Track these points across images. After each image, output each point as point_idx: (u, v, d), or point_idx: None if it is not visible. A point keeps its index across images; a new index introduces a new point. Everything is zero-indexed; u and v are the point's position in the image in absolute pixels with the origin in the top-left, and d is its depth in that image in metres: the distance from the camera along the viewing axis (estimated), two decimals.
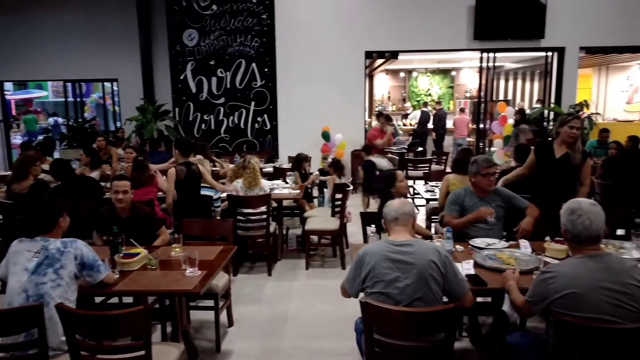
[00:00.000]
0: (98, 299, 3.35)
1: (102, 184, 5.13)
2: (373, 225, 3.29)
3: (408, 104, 14.32)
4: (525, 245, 3.08)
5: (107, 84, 11.98)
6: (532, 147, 4.10)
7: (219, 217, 4.73)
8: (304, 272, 4.91)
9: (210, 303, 3.39)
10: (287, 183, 5.63)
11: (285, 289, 4.50)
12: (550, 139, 4.31)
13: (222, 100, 8.82)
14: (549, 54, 8.81)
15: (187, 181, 4.48)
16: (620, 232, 3.80)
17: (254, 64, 8.67)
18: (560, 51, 8.54)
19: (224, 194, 4.99)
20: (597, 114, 9.09)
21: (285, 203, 5.47)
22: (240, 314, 3.92)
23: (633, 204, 4.76)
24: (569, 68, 8.55)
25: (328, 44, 8.49)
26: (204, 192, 4.61)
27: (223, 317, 3.63)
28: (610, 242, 3.08)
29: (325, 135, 8.30)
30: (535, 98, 11.85)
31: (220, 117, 8.88)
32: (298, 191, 5.33)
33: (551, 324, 2.13)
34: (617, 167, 5.34)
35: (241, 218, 4.71)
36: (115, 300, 3.51)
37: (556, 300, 2.05)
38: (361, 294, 2.41)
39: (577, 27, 8.33)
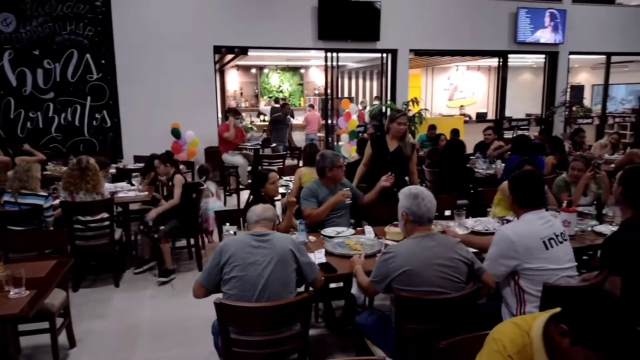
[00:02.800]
0: None
1: None
2: (228, 224, 3.24)
3: (262, 101, 14.42)
4: (369, 230, 3.34)
5: None
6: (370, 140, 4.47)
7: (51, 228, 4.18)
8: (157, 279, 4.63)
9: (46, 325, 3.00)
10: (132, 185, 5.24)
11: (135, 300, 4.19)
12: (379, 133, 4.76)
13: (51, 95, 7.80)
14: (384, 55, 9.64)
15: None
16: (447, 212, 4.36)
17: (88, 55, 7.83)
18: (394, 53, 9.42)
19: (57, 201, 4.43)
20: (426, 109, 10.24)
21: (133, 207, 5.08)
22: (84, 332, 3.54)
23: (456, 188, 5.48)
24: (401, 68, 9.48)
25: (174, 36, 8.07)
26: (32, 200, 4.03)
27: (63, 338, 3.24)
28: (439, 222, 3.50)
29: (175, 133, 7.91)
30: (374, 95, 12.89)
31: (50, 114, 7.85)
32: (146, 193, 4.99)
33: (393, 300, 2.34)
34: (442, 156, 6.07)
35: (79, 227, 4.25)
36: None
37: (396, 277, 2.27)
38: (216, 295, 2.37)
39: (407, 32, 9.26)
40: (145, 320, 3.80)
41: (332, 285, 3.42)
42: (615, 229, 3.13)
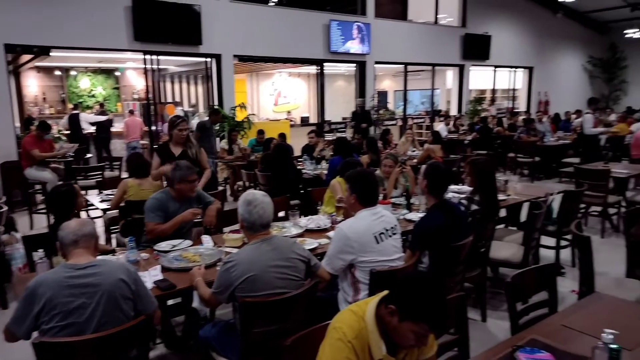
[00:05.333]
0: None
1: None
2: (41, 250, 2.82)
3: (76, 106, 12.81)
4: (207, 240, 3.26)
5: None
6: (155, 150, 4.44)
7: None
8: None
9: None
10: None
11: None
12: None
13: None
14: (208, 59, 9.51)
15: None
16: (281, 214, 4.52)
17: None
18: (218, 58, 9.36)
19: None
20: (253, 114, 10.42)
21: None
22: None
23: (287, 189, 5.71)
24: (226, 73, 9.47)
25: None
26: None
27: None
28: (274, 224, 3.60)
29: None
30: (201, 100, 12.61)
31: None
32: None
33: (237, 308, 2.34)
34: (271, 160, 6.25)
35: None
36: None
37: (239, 285, 2.27)
38: (34, 333, 2.05)
39: (230, 37, 9.30)
40: None
41: (171, 301, 3.25)
42: (421, 215, 3.65)
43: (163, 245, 3.16)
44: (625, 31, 15.81)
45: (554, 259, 4.56)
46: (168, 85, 14.03)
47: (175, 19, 8.41)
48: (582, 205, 5.66)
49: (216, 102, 9.54)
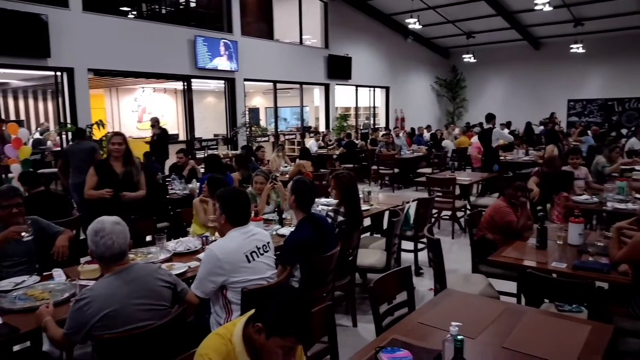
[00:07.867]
0: None
1: None
2: None
3: None
4: (58, 274, 2.94)
5: None
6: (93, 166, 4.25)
7: None
8: None
9: None
10: None
11: None
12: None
13: None
14: (58, 73, 8.66)
15: None
16: (148, 238, 4.26)
17: None
18: (69, 71, 8.56)
19: None
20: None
21: None
22: None
23: (154, 211, 5.39)
24: (80, 88, 8.70)
25: None
26: None
27: None
28: (140, 251, 3.38)
29: None
30: (51, 118, 11.38)
31: None
32: None
33: (93, 347, 2.13)
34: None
35: None
36: None
37: (95, 324, 2.06)
38: None
39: (84, 50, 8.58)
40: None
41: (17, 347, 2.84)
42: (292, 229, 3.73)
43: (3, 284, 2.77)
44: (463, 56, 18.09)
45: (413, 261, 4.99)
46: (10, 101, 12.42)
47: (16, 29, 7.51)
48: (435, 211, 6.31)
49: (69, 120, 8.70)
